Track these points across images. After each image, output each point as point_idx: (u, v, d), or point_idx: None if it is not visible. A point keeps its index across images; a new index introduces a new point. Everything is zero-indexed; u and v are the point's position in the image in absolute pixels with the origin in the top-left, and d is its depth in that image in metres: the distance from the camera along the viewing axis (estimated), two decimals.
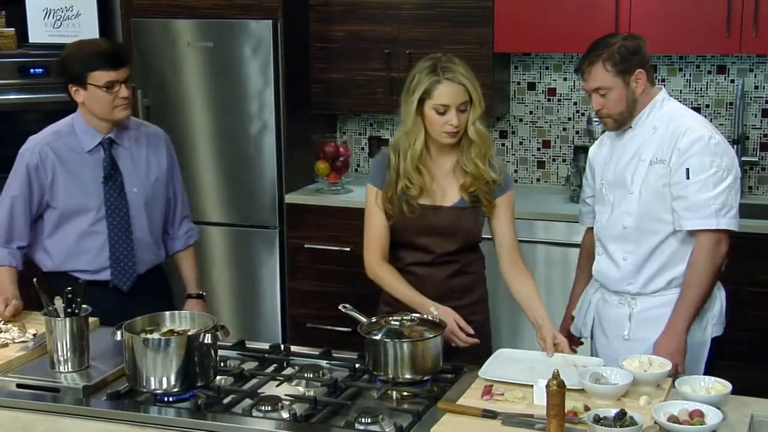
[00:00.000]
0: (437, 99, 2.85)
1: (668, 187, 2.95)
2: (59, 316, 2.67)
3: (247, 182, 4.80)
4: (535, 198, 4.63)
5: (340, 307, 2.84)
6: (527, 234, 4.23)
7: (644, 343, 2.97)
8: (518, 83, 4.91)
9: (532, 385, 2.45)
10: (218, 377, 2.60)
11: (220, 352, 2.67)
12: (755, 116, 4.59)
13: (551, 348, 2.77)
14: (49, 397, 2.56)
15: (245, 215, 4.84)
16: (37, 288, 2.75)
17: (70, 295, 2.67)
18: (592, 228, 3.22)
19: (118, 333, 2.53)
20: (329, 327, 4.61)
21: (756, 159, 4.58)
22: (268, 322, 4.87)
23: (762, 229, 4.05)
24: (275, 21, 4.63)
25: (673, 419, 2.24)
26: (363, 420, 2.33)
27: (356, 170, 5.21)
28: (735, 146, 4.37)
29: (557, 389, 2.16)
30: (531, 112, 4.92)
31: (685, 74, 4.65)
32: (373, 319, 2.74)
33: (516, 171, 4.94)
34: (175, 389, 2.48)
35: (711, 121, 3.72)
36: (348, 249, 4.61)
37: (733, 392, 2.41)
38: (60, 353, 2.67)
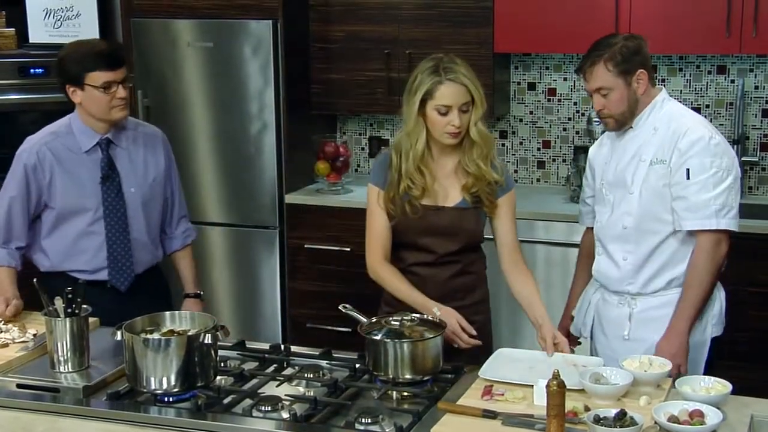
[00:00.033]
0: (439, 99, 2.85)
1: (668, 187, 2.95)
2: (59, 317, 2.67)
3: (247, 182, 4.80)
4: (535, 198, 4.63)
5: (340, 308, 2.84)
6: (527, 234, 4.23)
7: (644, 343, 2.97)
8: (518, 83, 4.91)
9: (533, 386, 2.45)
10: (218, 377, 2.60)
11: (221, 353, 2.67)
12: (755, 116, 4.59)
13: (551, 348, 2.77)
14: (49, 397, 2.56)
15: (245, 215, 4.84)
16: (38, 288, 2.75)
17: (70, 296, 2.67)
18: (591, 228, 3.22)
19: (119, 333, 2.53)
20: (329, 327, 4.61)
21: (756, 159, 4.58)
22: (268, 323, 4.87)
23: (762, 230, 4.05)
24: (275, 21, 4.63)
25: (673, 419, 2.24)
26: (363, 420, 2.33)
27: (356, 170, 5.21)
28: (735, 146, 4.37)
29: (557, 389, 2.16)
30: (531, 113, 4.92)
31: (685, 74, 4.65)
32: (373, 320, 2.74)
33: (516, 171, 4.94)
34: (176, 389, 2.48)
35: (711, 121, 3.72)
36: (348, 249, 4.61)
37: (733, 392, 2.41)
38: (60, 353, 2.67)
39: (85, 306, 2.71)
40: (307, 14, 4.81)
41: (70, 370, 2.67)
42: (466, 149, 2.93)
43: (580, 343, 3.23)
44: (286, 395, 2.50)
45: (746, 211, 3.55)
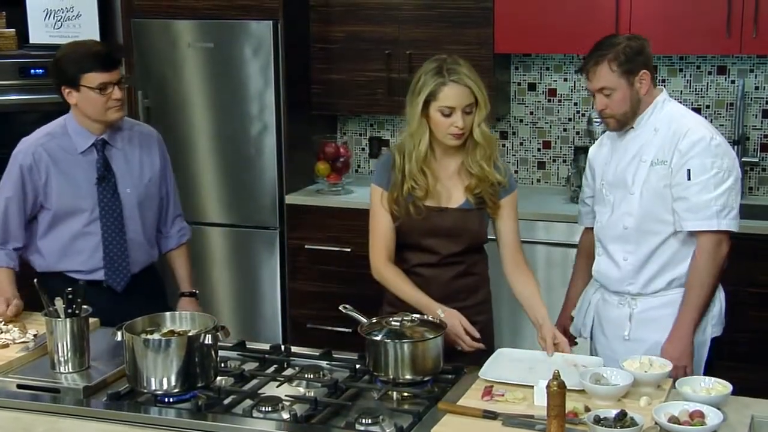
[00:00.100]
0: (443, 101, 2.85)
1: (669, 188, 2.95)
2: (60, 317, 2.67)
3: (248, 183, 4.80)
4: (536, 199, 4.63)
5: (340, 308, 2.84)
6: (528, 234, 4.23)
7: (644, 343, 2.97)
8: (519, 84, 4.91)
9: (533, 386, 2.45)
10: (219, 378, 2.60)
11: (221, 353, 2.67)
12: (755, 117, 4.59)
13: (551, 348, 2.77)
14: (49, 397, 2.56)
15: (245, 216, 4.84)
16: (38, 289, 2.75)
17: (70, 296, 2.67)
18: (589, 228, 3.23)
19: (119, 334, 2.53)
20: (329, 328, 4.61)
21: (756, 160, 4.58)
22: (268, 323, 4.87)
23: (762, 230, 4.05)
24: (276, 22, 4.63)
25: (674, 420, 2.24)
26: (363, 421, 2.33)
27: (356, 171, 5.21)
28: (735, 147, 4.37)
29: (558, 390, 2.16)
30: (531, 113, 4.92)
31: (685, 75, 4.65)
32: (374, 320, 2.74)
33: (516, 171, 4.94)
34: (176, 390, 2.48)
35: (711, 121, 3.72)
36: (348, 250, 4.61)
37: (734, 393, 2.41)
38: (60, 354, 2.67)
39: (85, 306, 2.72)
40: (307, 15, 4.81)
41: (71, 370, 2.67)
42: (469, 150, 2.93)
43: (576, 344, 3.23)
44: (286, 396, 2.50)
45: (746, 211, 3.55)
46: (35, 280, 2.80)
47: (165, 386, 2.47)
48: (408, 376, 2.57)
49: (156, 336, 2.56)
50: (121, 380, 2.60)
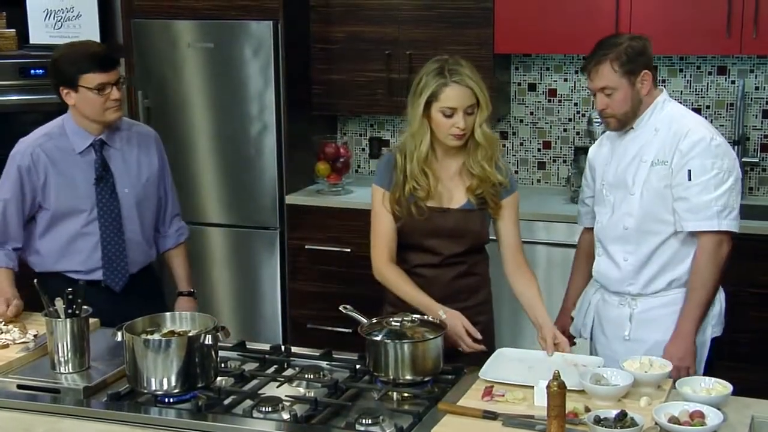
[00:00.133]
0: (444, 102, 2.85)
1: (669, 188, 2.95)
2: (60, 317, 2.67)
3: (248, 183, 4.80)
4: (536, 199, 4.63)
5: (340, 308, 2.84)
6: (528, 235, 4.22)
7: (644, 343, 2.97)
8: (519, 84, 4.91)
9: (533, 386, 2.45)
10: (219, 378, 2.60)
11: (221, 353, 2.67)
12: (756, 117, 4.59)
13: (551, 347, 2.77)
14: (49, 398, 2.56)
15: (246, 216, 4.84)
16: (38, 289, 2.75)
17: (70, 296, 2.67)
18: (588, 229, 3.23)
19: (119, 334, 2.53)
20: (330, 328, 4.61)
21: (756, 160, 4.58)
22: (268, 323, 4.87)
23: (762, 230, 4.05)
24: (276, 22, 4.63)
25: (674, 420, 2.24)
26: (363, 421, 2.33)
27: (357, 171, 5.21)
28: (735, 147, 4.37)
29: (558, 390, 2.16)
30: (531, 113, 4.92)
31: (685, 75, 4.65)
32: (374, 320, 2.74)
33: (517, 172, 4.93)
34: (176, 390, 2.48)
35: (711, 122, 3.72)
36: (348, 250, 4.62)
37: (734, 393, 2.41)
38: (60, 354, 2.67)
39: (85, 307, 2.72)
40: (307, 15, 4.81)
41: (71, 370, 2.67)
42: (470, 151, 2.93)
43: (575, 344, 3.23)
44: (286, 396, 2.50)
45: (746, 212, 3.55)
46: (35, 281, 2.80)
47: (165, 386, 2.47)
48: (408, 377, 2.57)
49: (156, 336, 2.56)
50: (121, 380, 2.60)
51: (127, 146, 3.27)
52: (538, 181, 4.97)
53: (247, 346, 2.90)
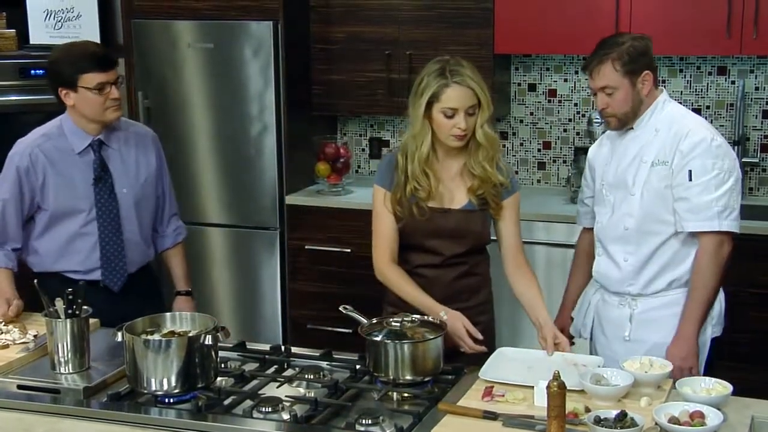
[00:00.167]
0: (445, 102, 2.85)
1: (670, 188, 2.95)
2: (60, 318, 2.67)
3: (248, 183, 4.80)
4: (536, 199, 4.63)
5: (340, 309, 2.84)
6: (528, 235, 4.22)
7: (645, 344, 2.97)
8: (519, 84, 4.91)
9: (533, 387, 2.45)
10: (219, 378, 2.60)
11: (221, 354, 2.67)
12: (756, 117, 4.59)
13: (552, 347, 2.77)
14: (49, 398, 2.56)
15: (246, 216, 4.84)
16: (38, 289, 2.76)
17: (70, 297, 2.67)
18: (587, 229, 3.23)
19: (119, 334, 2.53)
20: (330, 328, 4.61)
21: (756, 160, 4.58)
22: (268, 324, 4.86)
23: (762, 231, 4.05)
24: (276, 22, 4.63)
25: (674, 420, 2.24)
26: (364, 421, 2.33)
27: (357, 171, 5.21)
28: (735, 147, 4.37)
29: (558, 390, 2.16)
30: (531, 114, 4.92)
31: (685, 75, 4.65)
32: (374, 321, 2.73)
33: (517, 172, 4.93)
34: (176, 390, 2.48)
35: (711, 122, 3.72)
36: (348, 250, 4.61)
37: (734, 393, 2.41)
38: (61, 354, 2.67)
39: (85, 307, 2.72)
40: (307, 15, 4.81)
41: (71, 371, 2.67)
42: (471, 151, 2.94)
43: (574, 344, 3.23)
44: (286, 396, 2.50)
45: (747, 212, 3.55)
46: (35, 281, 2.80)
47: (165, 387, 2.47)
48: (408, 377, 2.57)
49: (156, 337, 2.56)
50: (121, 381, 2.60)
51: (125, 146, 3.27)
52: (538, 181, 4.97)
53: (247, 347, 2.90)
